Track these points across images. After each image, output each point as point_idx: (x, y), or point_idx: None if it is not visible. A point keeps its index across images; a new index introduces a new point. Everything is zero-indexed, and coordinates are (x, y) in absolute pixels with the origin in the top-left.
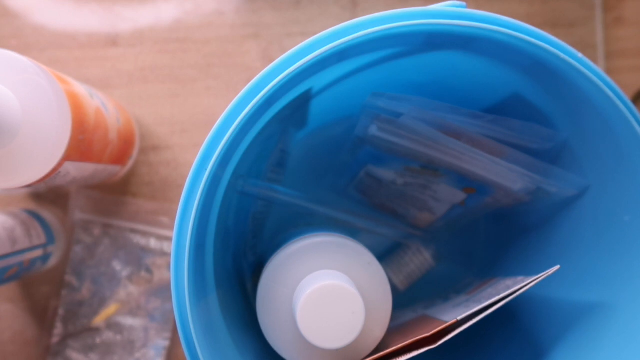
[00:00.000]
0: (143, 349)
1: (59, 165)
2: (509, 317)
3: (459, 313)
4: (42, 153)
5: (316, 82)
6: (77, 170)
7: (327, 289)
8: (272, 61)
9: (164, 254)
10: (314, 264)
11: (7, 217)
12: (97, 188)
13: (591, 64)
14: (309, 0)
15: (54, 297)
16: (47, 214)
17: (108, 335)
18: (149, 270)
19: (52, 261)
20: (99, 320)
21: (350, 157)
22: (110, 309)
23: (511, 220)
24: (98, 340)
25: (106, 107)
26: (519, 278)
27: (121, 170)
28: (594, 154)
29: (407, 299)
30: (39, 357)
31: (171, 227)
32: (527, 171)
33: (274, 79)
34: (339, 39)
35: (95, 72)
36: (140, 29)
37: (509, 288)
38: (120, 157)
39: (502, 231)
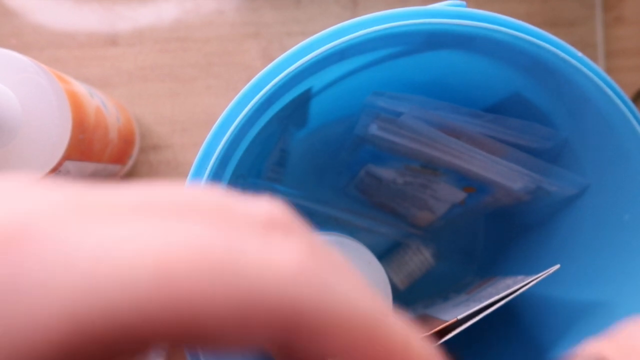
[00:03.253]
0: None
1: (59, 164)
2: (509, 316)
3: (459, 312)
4: (42, 152)
5: (316, 81)
6: (77, 169)
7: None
8: (272, 60)
9: None
10: None
11: None
12: None
13: (591, 63)
14: None
15: None
16: None
17: None
18: None
19: None
20: None
21: (350, 156)
22: None
23: (511, 220)
24: None
25: (106, 107)
26: (519, 277)
27: (121, 170)
28: (594, 153)
29: (407, 298)
30: None
31: None
32: (527, 170)
33: (274, 78)
34: (339, 38)
35: (95, 71)
36: (140, 28)
37: (509, 287)
38: (121, 156)
39: (502, 230)
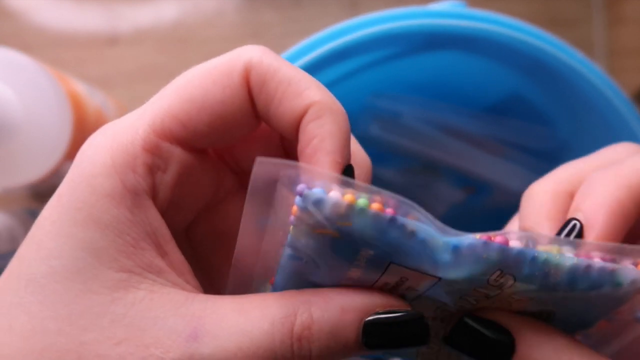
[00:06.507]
0: None
1: (60, 164)
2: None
3: None
4: (42, 152)
5: None
6: None
7: None
8: None
9: None
10: None
11: (8, 217)
12: None
13: (591, 63)
14: None
15: None
16: None
17: None
18: None
19: None
20: None
21: None
22: None
23: None
24: None
25: (106, 106)
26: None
27: None
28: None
29: None
30: None
31: None
32: (526, 171)
33: None
34: (339, 39)
35: (95, 71)
36: (141, 28)
37: None
38: None
39: None
